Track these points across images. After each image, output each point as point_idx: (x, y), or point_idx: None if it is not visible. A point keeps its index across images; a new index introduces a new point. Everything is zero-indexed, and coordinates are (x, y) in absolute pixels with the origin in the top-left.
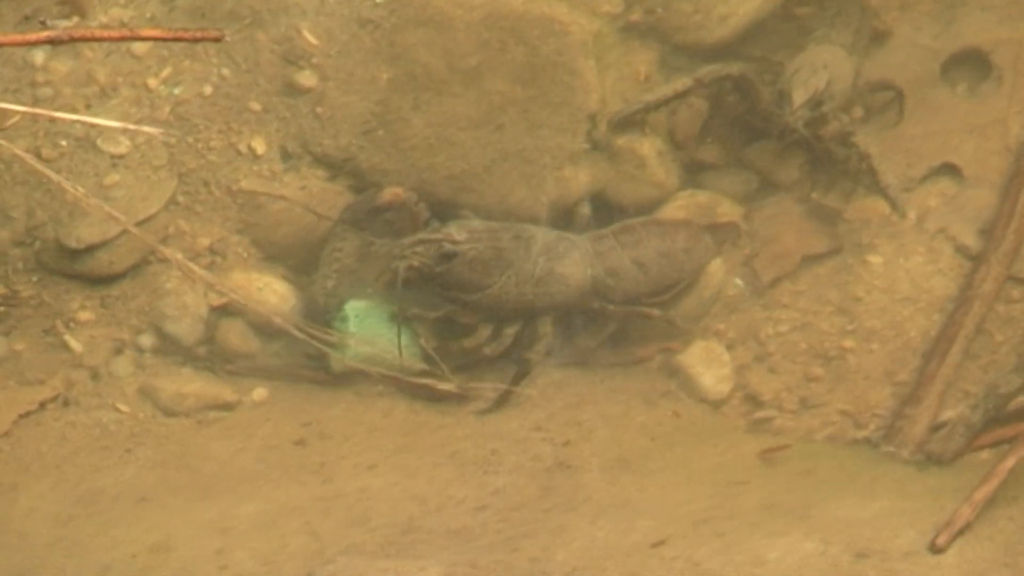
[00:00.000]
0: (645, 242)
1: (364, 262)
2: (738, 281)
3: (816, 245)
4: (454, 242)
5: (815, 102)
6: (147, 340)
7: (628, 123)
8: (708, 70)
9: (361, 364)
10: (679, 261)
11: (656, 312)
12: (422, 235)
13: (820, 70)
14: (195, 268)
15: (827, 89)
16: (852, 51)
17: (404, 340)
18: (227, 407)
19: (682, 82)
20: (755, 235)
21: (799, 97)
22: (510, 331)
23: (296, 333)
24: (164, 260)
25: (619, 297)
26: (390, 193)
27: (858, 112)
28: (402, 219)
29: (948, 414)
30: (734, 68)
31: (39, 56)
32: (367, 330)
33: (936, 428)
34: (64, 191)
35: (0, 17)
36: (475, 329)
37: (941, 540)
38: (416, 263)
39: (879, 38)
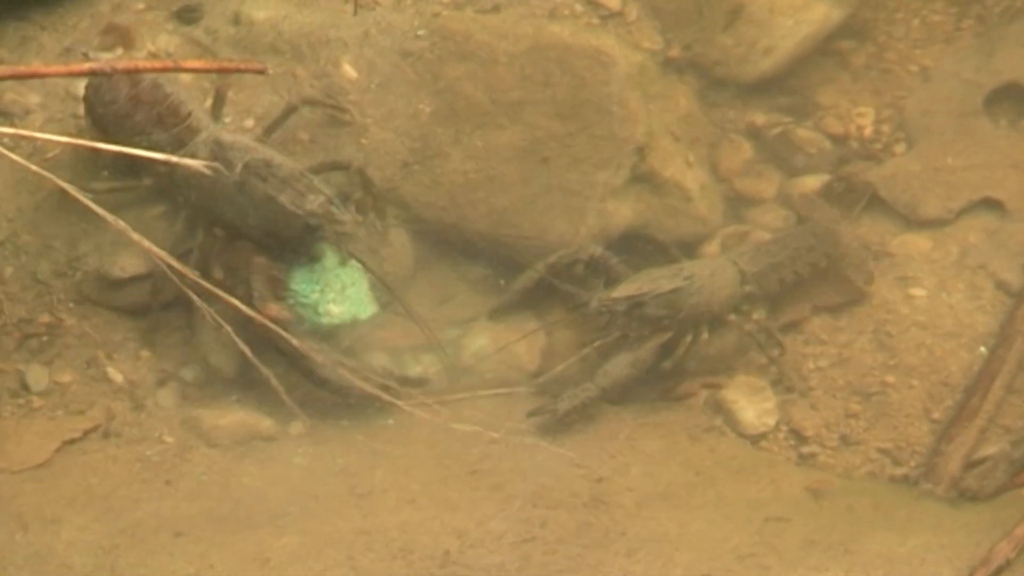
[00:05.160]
0: None
1: None
2: None
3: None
4: None
5: (635, 303)
6: (189, 372)
7: (504, 312)
8: (559, 255)
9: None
10: None
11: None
12: None
13: (676, 279)
14: (232, 299)
15: (666, 297)
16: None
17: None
18: (267, 438)
19: (530, 276)
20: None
21: (622, 291)
22: None
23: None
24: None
25: None
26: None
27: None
28: None
29: (989, 450)
30: (583, 253)
31: (82, 87)
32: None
33: (974, 464)
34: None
35: (42, 47)
36: None
37: None
38: None
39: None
